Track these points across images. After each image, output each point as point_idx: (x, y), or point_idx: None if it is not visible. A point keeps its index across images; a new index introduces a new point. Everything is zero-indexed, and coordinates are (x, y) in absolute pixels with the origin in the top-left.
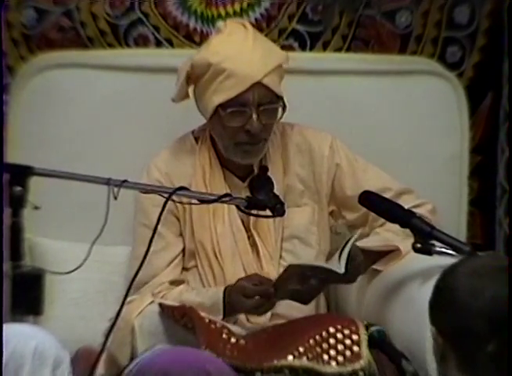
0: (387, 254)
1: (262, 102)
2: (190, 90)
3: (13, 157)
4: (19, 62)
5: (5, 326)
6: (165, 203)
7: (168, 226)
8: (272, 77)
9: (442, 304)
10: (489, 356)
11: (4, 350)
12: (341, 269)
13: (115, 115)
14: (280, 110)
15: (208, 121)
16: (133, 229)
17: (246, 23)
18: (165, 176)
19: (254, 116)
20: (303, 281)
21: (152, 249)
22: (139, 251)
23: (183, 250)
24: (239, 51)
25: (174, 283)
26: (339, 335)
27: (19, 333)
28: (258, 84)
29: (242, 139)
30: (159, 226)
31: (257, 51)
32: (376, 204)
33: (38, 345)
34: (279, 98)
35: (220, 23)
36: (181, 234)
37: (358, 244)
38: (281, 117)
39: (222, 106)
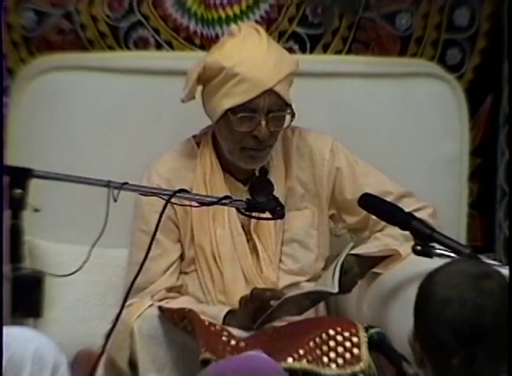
0: (387, 257)
1: (272, 109)
2: (198, 91)
3: (13, 159)
4: (19, 64)
5: (4, 329)
6: (165, 205)
7: (166, 233)
8: (283, 84)
9: (418, 311)
10: (455, 369)
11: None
12: (335, 289)
13: (115, 117)
14: (288, 117)
15: (215, 123)
16: (131, 234)
17: (260, 28)
18: (166, 182)
19: (263, 122)
20: (299, 308)
21: (149, 255)
22: (137, 257)
23: (181, 256)
24: (253, 56)
25: (172, 290)
26: (339, 337)
27: (18, 336)
28: (269, 91)
29: (248, 144)
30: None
31: (271, 58)
32: (376, 206)
33: (38, 349)
34: (288, 105)
35: (233, 27)
36: (179, 241)
37: (357, 250)
38: (288, 125)
39: (232, 110)
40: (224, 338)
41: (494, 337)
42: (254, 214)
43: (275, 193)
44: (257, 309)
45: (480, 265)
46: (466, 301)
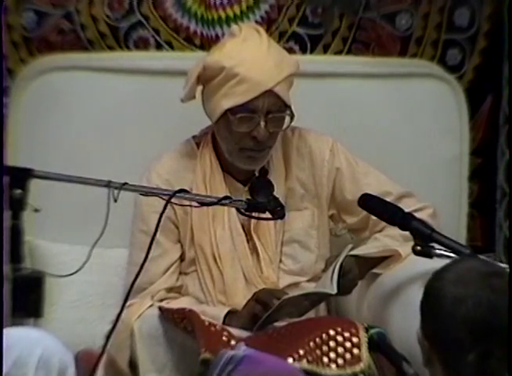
0: (387, 258)
1: (271, 110)
2: (198, 91)
3: (13, 159)
4: (20, 64)
5: (10, 330)
6: (165, 205)
7: (166, 233)
8: (283, 85)
9: (428, 309)
10: (469, 367)
11: (8, 356)
12: (333, 290)
13: (115, 118)
14: (288, 118)
15: (214, 123)
16: (131, 234)
17: (260, 28)
18: (165, 182)
19: (262, 123)
20: (298, 310)
21: (149, 255)
22: (137, 257)
23: (180, 257)
24: (254, 57)
25: (171, 290)
26: (339, 338)
27: (24, 339)
28: (269, 92)
29: (247, 144)
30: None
31: (271, 58)
32: (376, 206)
33: (44, 354)
34: (287, 106)
35: (234, 27)
36: (178, 241)
37: (356, 251)
38: (288, 126)
39: (231, 110)
40: (224, 338)
41: (506, 334)
42: (254, 214)
43: (275, 193)
44: (261, 310)
45: (488, 263)
46: (480, 298)
